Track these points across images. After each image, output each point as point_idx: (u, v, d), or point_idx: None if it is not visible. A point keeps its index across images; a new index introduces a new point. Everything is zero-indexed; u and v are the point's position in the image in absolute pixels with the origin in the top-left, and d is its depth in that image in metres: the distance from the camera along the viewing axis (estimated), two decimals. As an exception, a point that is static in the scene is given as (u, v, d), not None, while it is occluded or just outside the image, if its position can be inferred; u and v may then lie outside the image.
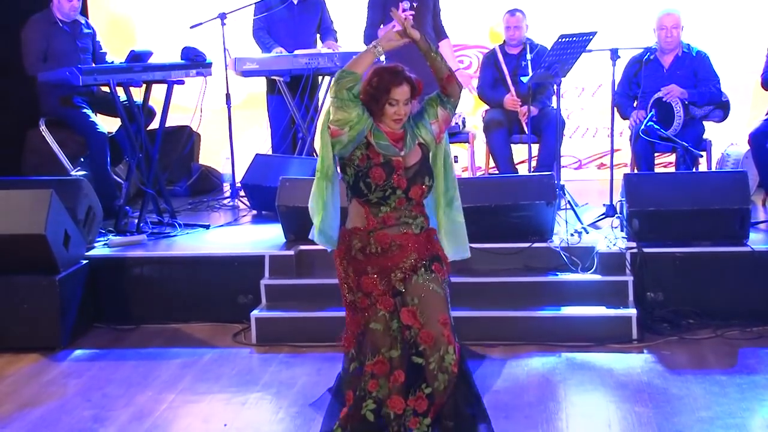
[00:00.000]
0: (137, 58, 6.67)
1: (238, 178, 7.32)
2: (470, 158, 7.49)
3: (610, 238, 5.70)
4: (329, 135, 3.35)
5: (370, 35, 6.86)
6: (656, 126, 6.41)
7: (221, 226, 6.69)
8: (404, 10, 6.65)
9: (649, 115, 6.49)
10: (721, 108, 6.75)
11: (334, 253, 3.54)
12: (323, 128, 3.40)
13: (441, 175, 3.52)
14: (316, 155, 7.14)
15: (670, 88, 6.53)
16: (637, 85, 6.75)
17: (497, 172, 7.13)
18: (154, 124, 7.06)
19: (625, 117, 6.87)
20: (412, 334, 3.40)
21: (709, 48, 6.85)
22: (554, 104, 6.88)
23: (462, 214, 3.59)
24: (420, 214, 3.47)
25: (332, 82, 3.37)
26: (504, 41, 7.29)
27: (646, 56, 6.73)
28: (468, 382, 3.49)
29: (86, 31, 7.14)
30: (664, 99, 6.54)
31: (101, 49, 7.23)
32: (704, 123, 6.74)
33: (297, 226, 5.70)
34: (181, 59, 6.76)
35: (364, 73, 3.37)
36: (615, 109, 6.65)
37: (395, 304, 3.44)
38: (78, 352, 5.41)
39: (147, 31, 8.64)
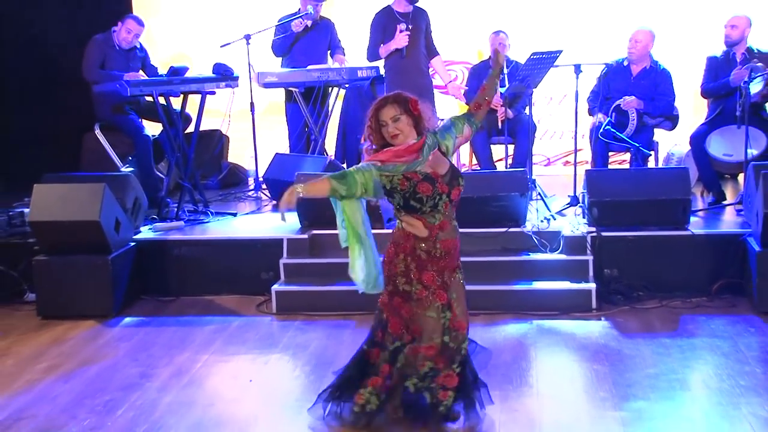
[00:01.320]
0: (176, 72, 6.68)
1: (261, 173, 7.32)
2: (456, 156, 7.50)
3: (573, 224, 5.72)
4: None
5: (372, 53, 6.86)
6: (612, 129, 6.42)
7: (246, 214, 6.69)
8: (401, 31, 6.67)
9: (607, 120, 6.49)
10: (670, 120, 6.75)
11: (394, 247, 3.40)
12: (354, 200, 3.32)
13: None
14: (326, 154, 7.29)
15: (630, 100, 6.52)
16: (607, 86, 6.68)
17: (479, 168, 7.14)
18: (191, 128, 7.05)
19: (590, 114, 6.85)
20: (447, 319, 3.44)
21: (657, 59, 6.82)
22: (527, 111, 6.89)
23: None
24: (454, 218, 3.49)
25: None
26: (489, 57, 7.27)
27: (604, 72, 6.68)
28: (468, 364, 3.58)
29: (139, 54, 7.16)
30: (622, 107, 6.54)
31: (150, 62, 7.24)
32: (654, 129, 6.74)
33: (310, 214, 5.72)
34: (213, 73, 6.78)
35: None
36: (587, 104, 6.64)
37: (449, 299, 3.43)
38: (127, 320, 5.43)
39: (184, 50, 8.63)
